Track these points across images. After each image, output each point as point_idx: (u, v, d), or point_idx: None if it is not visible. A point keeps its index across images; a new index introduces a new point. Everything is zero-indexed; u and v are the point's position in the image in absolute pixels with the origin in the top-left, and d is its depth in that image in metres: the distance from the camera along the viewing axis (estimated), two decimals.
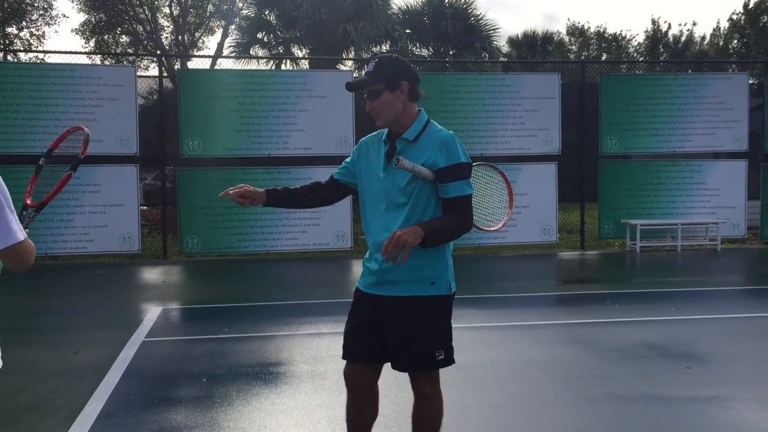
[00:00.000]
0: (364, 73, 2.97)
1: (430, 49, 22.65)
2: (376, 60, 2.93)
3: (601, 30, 33.48)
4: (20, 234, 2.23)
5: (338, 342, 2.82)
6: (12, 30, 21.26)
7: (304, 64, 20.61)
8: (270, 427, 4.05)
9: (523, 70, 21.65)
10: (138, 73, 11.89)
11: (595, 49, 33.09)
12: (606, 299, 7.85)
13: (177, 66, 20.44)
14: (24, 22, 21.60)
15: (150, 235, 13.33)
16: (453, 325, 3.02)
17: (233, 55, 20.24)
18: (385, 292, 2.91)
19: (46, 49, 23.14)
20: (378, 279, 2.93)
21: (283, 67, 20.35)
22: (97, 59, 22.28)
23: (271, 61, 20.23)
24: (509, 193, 3.47)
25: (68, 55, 20.74)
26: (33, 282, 9.03)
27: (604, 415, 4.26)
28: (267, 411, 4.31)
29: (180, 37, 23.74)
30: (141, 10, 22.85)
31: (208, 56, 21.30)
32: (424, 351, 2.90)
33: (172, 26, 24.16)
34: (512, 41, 27.73)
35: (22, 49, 21.02)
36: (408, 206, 2.87)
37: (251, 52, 19.95)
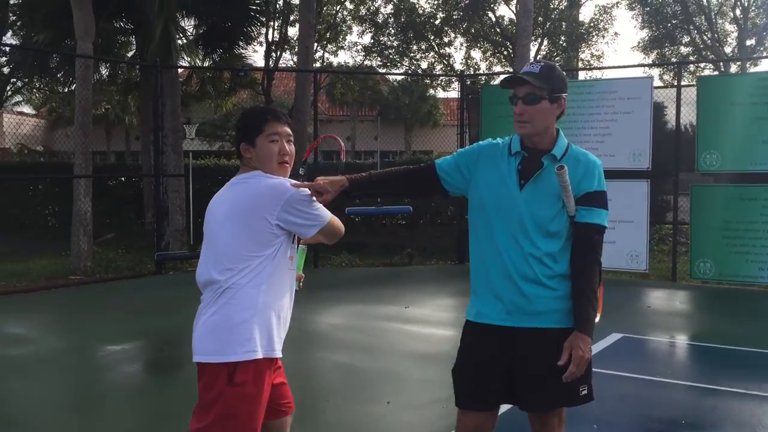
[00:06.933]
0: (522, 72, 2.66)
1: None
2: (542, 64, 2.67)
3: None
4: (328, 214, 2.69)
5: None
6: (575, 54, 22.77)
7: None
8: None
9: None
10: (654, 84, 11.26)
11: None
12: None
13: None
14: (584, 44, 22.88)
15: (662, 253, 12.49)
16: None
17: None
18: (523, 324, 2.59)
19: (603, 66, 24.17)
20: (511, 308, 2.60)
21: None
22: (655, 72, 22.11)
23: None
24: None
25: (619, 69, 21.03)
26: None
27: None
28: None
29: (747, 41, 21.71)
30: (698, 19, 21.69)
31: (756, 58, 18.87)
32: (569, 386, 2.59)
33: (736, 30, 22.25)
34: None
35: (580, 68, 22.39)
36: (562, 235, 2.61)
37: None
